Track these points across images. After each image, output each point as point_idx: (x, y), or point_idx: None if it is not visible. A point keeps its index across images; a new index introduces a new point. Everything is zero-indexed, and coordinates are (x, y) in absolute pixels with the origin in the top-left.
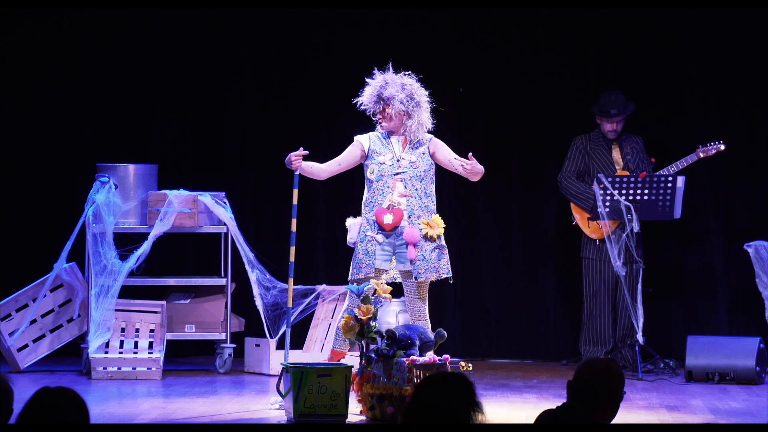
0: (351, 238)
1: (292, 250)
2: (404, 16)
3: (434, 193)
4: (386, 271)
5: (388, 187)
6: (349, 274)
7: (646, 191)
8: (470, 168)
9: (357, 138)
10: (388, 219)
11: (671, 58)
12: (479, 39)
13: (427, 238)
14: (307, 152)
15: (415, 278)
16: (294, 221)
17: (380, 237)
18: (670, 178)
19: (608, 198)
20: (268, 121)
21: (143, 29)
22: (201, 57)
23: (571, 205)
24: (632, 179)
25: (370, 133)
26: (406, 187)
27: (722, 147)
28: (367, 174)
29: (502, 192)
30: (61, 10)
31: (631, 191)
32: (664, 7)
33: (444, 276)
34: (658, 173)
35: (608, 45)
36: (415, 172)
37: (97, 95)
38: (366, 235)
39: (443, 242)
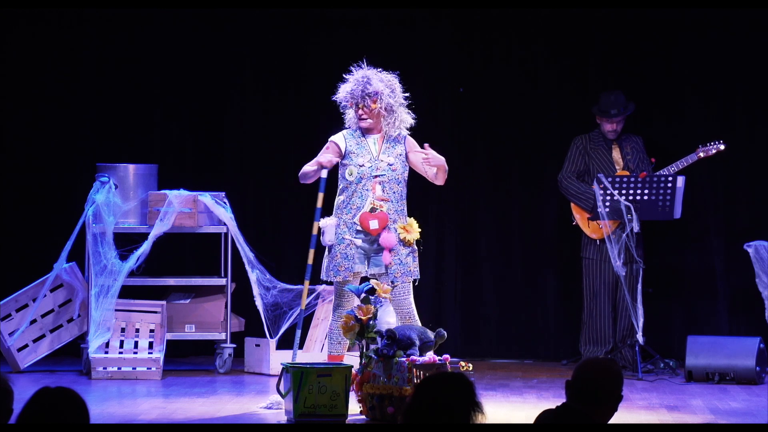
0: (330, 239)
1: (311, 252)
2: (404, 16)
3: (406, 196)
4: (361, 273)
5: (368, 189)
6: (323, 273)
7: (646, 191)
8: (428, 157)
9: (332, 139)
10: (374, 224)
11: (671, 58)
12: (479, 39)
13: (404, 242)
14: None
15: (392, 282)
16: (316, 224)
17: (359, 240)
18: (670, 178)
19: (608, 198)
20: (268, 121)
21: (143, 29)
22: (201, 57)
23: (571, 205)
24: (632, 179)
25: (344, 132)
26: (383, 191)
27: (722, 147)
28: (345, 175)
29: (502, 192)
30: (61, 10)
31: (631, 191)
32: (664, 7)
33: (414, 278)
34: (658, 173)
35: (608, 45)
36: (393, 175)
37: (97, 95)
38: (344, 238)
39: (415, 246)
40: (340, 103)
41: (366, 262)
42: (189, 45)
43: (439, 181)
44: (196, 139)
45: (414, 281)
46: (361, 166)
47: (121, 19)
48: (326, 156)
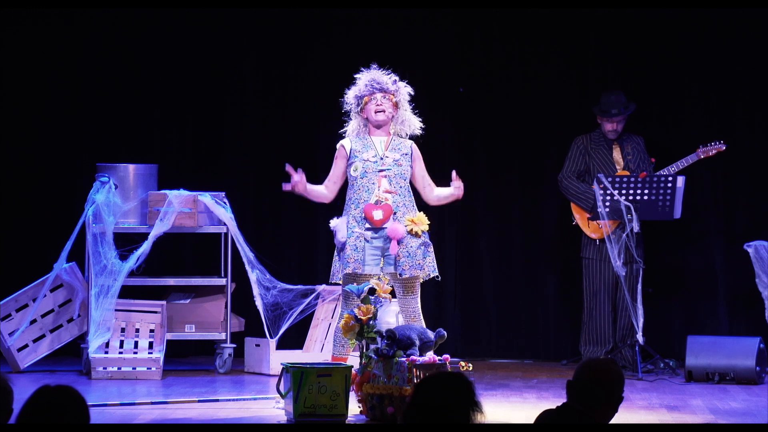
0: (342, 237)
1: None
2: (405, 16)
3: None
4: (377, 276)
5: (374, 183)
6: (332, 274)
7: (646, 191)
8: (459, 189)
9: (339, 144)
10: (378, 215)
11: (671, 57)
12: (479, 39)
13: (412, 233)
14: (300, 173)
15: (400, 275)
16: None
17: (368, 234)
18: (670, 178)
19: (608, 198)
20: (268, 121)
21: (143, 29)
22: (201, 57)
23: (571, 205)
24: (632, 179)
25: (350, 136)
26: (390, 184)
27: (722, 147)
28: (351, 171)
29: (502, 192)
30: (61, 10)
31: (631, 191)
32: (664, 7)
33: (431, 275)
34: (658, 173)
35: (608, 45)
36: (399, 170)
37: (97, 95)
38: (353, 232)
39: (428, 239)
40: (351, 103)
41: (381, 262)
42: (189, 45)
43: (437, 204)
44: (196, 139)
45: (435, 278)
46: (365, 161)
47: (120, 19)
48: (299, 186)
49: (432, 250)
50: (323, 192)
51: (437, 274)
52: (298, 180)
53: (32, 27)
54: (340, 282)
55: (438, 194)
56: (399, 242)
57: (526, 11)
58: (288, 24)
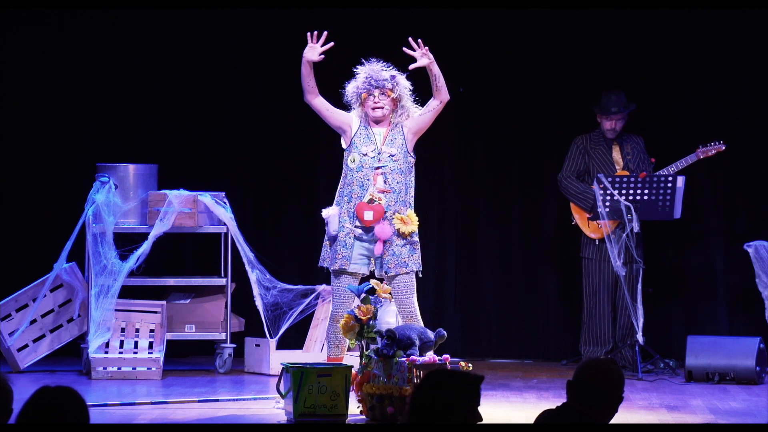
0: (334, 229)
1: None
2: (405, 16)
3: (413, 185)
4: (363, 274)
5: (369, 179)
6: (321, 259)
7: (646, 191)
8: (423, 53)
9: (353, 114)
10: (368, 215)
11: (671, 58)
12: (479, 39)
13: (399, 234)
14: (319, 42)
15: (386, 273)
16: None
17: (358, 231)
18: (670, 178)
19: (608, 198)
20: (268, 121)
21: (143, 29)
22: (201, 56)
23: (571, 205)
24: (632, 179)
25: (358, 117)
26: (386, 182)
27: (722, 147)
28: (348, 161)
29: (502, 192)
30: (61, 10)
31: (631, 191)
32: (664, 7)
33: (414, 269)
34: (658, 173)
35: (608, 45)
36: (396, 165)
37: (97, 95)
38: (344, 227)
39: (416, 239)
40: (351, 98)
41: (371, 263)
42: (188, 45)
43: (441, 93)
44: (196, 139)
45: (417, 273)
46: (364, 155)
47: (120, 19)
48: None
49: (418, 247)
50: (314, 90)
51: (420, 269)
52: (314, 45)
53: (32, 27)
54: (327, 268)
55: (433, 100)
56: (385, 242)
57: (527, 11)
58: (288, 24)
